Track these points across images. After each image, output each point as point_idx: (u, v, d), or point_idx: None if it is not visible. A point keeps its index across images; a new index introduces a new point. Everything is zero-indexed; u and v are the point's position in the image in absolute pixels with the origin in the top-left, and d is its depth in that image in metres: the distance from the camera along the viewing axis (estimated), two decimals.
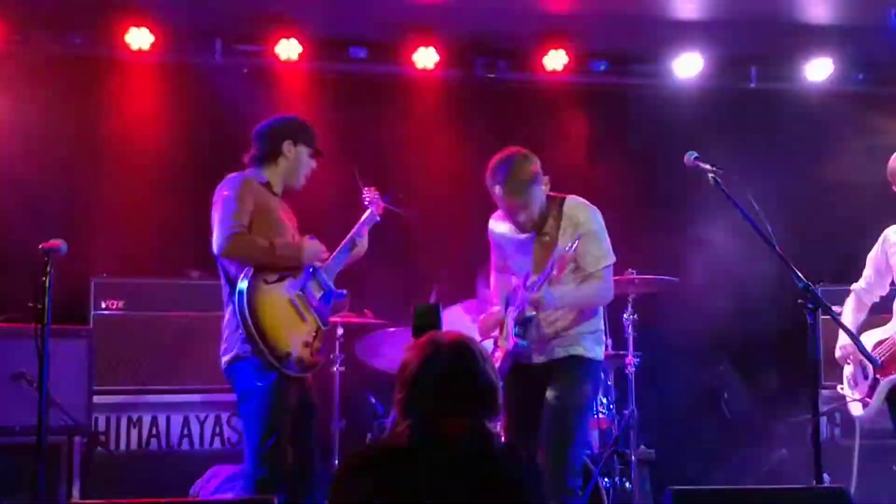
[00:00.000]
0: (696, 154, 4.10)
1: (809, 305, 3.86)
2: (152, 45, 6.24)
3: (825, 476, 3.85)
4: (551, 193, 4.32)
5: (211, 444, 5.86)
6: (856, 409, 4.96)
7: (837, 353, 4.98)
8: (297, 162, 4.37)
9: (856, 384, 4.96)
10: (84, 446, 5.41)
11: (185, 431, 5.83)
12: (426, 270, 6.13)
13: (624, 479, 5.62)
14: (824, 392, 5.90)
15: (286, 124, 4.44)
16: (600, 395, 5.57)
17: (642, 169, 6.77)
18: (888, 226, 4.95)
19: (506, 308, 4.42)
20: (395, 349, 5.64)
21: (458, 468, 2.53)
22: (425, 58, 6.60)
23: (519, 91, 6.91)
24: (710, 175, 4.01)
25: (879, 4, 6.23)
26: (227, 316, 4.20)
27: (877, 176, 4.98)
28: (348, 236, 4.45)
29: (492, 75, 6.83)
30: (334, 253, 4.38)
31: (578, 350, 4.29)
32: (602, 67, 6.93)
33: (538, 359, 4.32)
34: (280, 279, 4.16)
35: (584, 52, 6.80)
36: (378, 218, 4.59)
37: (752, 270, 5.96)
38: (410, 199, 4.98)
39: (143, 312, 5.84)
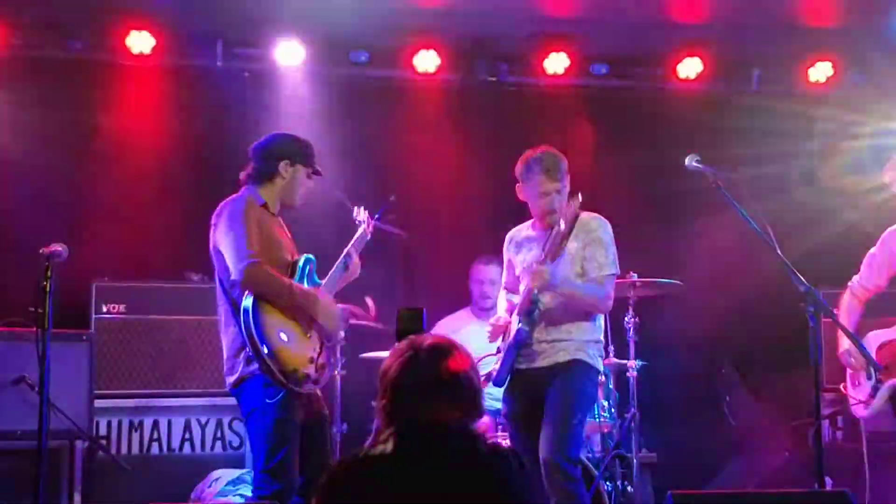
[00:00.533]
0: (696, 157, 4.10)
1: (811, 308, 3.87)
2: (153, 48, 6.25)
3: (827, 480, 3.85)
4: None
5: (212, 448, 5.86)
6: (858, 411, 4.96)
7: (842, 353, 4.98)
8: (294, 182, 4.34)
9: (859, 385, 4.96)
10: (85, 451, 5.41)
11: (187, 435, 5.82)
12: (426, 273, 6.13)
13: (626, 482, 5.62)
14: (826, 395, 5.91)
15: (284, 144, 4.39)
16: (601, 399, 5.56)
17: (643, 172, 6.76)
18: (888, 228, 4.96)
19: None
20: None
21: (446, 472, 2.51)
22: (426, 61, 6.60)
23: (520, 94, 6.90)
24: (712, 178, 4.01)
25: (880, 8, 6.23)
26: (227, 336, 4.17)
27: (878, 179, 4.98)
28: (340, 259, 4.42)
29: (493, 78, 6.83)
30: (326, 278, 4.35)
31: (581, 356, 4.35)
32: (603, 71, 6.92)
33: (540, 362, 4.34)
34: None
35: (585, 56, 6.79)
36: (369, 237, 4.59)
37: (753, 273, 5.96)
38: (410, 200, 5.00)
39: (145, 316, 5.83)
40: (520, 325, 4.30)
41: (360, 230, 4.57)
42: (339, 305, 4.37)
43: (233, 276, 4.06)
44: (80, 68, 6.26)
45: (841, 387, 5.09)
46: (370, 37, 6.57)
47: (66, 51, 6.23)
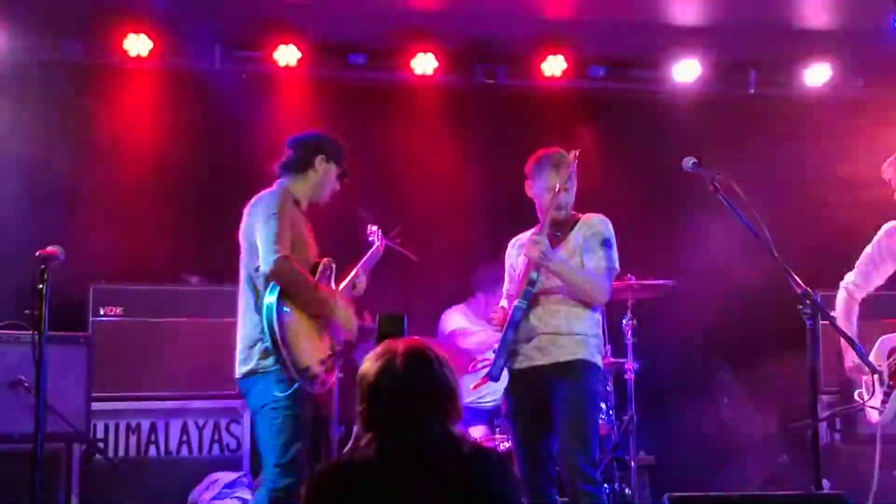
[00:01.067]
0: (693, 160, 4.10)
1: (808, 311, 3.86)
2: (151, 51, 6.25)
3: (825, 482, 3.84)
4: (573, 212, 4.51)
5: (210, 450, 5.85)
6: (872, 416, 4.92)
7: (850, 368, 4.92)
8: (326, 179, 4.44)
9: (873, 390, 4.92)
10: (82, 453, 5.40)
11: (184, 438, 5.82)
12: (425, 276, 6.12)
13: (623, 485, 5.62)
14: (824, 397, 5.91)
15: (322, 139, 4.50)
16: (600, 403, 5.56)
17: (641, 174, 6.77)
18: (884, 226, 4.95)
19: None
20: None
21: (428, 474, 2.51)
22: (424, 64, 6.60)
23: (517, 97, 6.91)
24: (709, 181, 4.01)
25: (877, 9, 6.23)
26: (245, 326, 4.21)
27: (875, 180, 4.98)
28: (349, 279, 4.50)
29: (490, 81, 6.83)
30: (339, 288, 4.44)
31: (583, 354, 4.35)
32: (601, 73, 6.93)
33: (541, 360, 4.35)
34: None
35: (582, 58, 6.80)
36: (380, 254, 4.74)
37: (751, 276, 5.95)
38: (407, 202, 5.01)
39: (142, 319, 5.84)
40: (517, 302, 4.32)
41: (373, 248, 4.72)
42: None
43: (262, 268, 4.10)
44: (78, 71, 6.26)
45: (855, 394, 5.04)
46: (368, 39, 6.58)
47: (63, 53, 6.23)
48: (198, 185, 6.45)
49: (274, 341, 4.03)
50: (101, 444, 5.61)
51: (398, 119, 6.71)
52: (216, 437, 5.87)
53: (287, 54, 6.42)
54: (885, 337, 4.94)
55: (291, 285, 4.11)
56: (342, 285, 4.46)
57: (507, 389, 4.53)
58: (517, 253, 4.62)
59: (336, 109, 6.55)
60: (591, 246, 4.40)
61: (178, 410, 5.81)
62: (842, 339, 4.50)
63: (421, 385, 2.59)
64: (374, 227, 4.85)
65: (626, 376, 5.64)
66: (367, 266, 4.66)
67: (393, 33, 6.46)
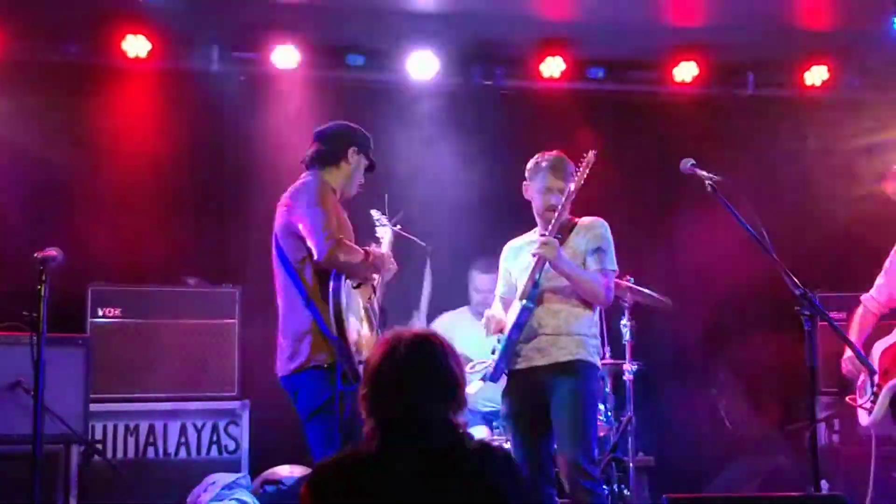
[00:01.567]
0: (692, 161, 4.10)
1: (806, 312, 3.86)
2: (149, 52, 6.25)
3: (823, 483, 3.84)
4: (569, 216, 4.53)
5: (208, 452, 5.85)
6: (863, 418, 4.93)
7: (843, 360, 4.95)
8: (357, 171, 4.42)
9: (865, 392, 4.93)
10: (81, 455, 5.40)
11: (183, 439, 5.81)
12: (421, 276, 6.12)
13: (622, 486, 5.61)
14: (822, 398, 5.91)
15: (353, 130, 4.48)
16: (598, 402, 5.56)
17: (639, 175, 6.77)
18: (883, 233, 4.95)
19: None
20: None
21: (430, 467, 2.50)
22: (423, 65, 6.60)
23: (516, 98, 6.91)
24: (707, 182, 4.01)
25: (877, 10, 6.23)
26: (293, 321, 4.13)
27: (873, 182, 4.98)
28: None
29: (489, 83, 6.83)
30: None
31: (582, 354, 4.39)
32: (600, 75, 6.93)
33: (540, 361, 4.36)
34: (358, 285, 4.21)
35: (581, 60, 6.80)
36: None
37: (749, 277, 5.96)
38: (406, 203, 5.00)
39: (141, 320, 5.84)
40: (525, 303, 4.32)
41: (388, 235, 4.64)
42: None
43: (317, 257, 4.03)
44: (76, 72, 6.26)
45: (847, 398, 5.05)
46: (366, 41, 6.57)
47: (61, 55, 6.22)
48: (196, 187, 6.45)
49: (341, 332, 3.95)
50: (99, 446, 5.60)
51: (396, 120, 6.70)
52: (215, 438, 5.86)
53: (285, 56, 6.42)
54: (878, 342, 4.95)
55: (349, 264, 4.05)
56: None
57: (505, 390, 4.54)
58: (513, 255, 4.62)
59: (334, 111, 6.50)
60: (593, 248, 4.46)
61: (177, 412, 5.80)
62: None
63: (422, 372, 2.58)
64: (381, 214, 4.77)
65: (624, 377, 5.63)
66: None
67: (391, 35, 6.46)
